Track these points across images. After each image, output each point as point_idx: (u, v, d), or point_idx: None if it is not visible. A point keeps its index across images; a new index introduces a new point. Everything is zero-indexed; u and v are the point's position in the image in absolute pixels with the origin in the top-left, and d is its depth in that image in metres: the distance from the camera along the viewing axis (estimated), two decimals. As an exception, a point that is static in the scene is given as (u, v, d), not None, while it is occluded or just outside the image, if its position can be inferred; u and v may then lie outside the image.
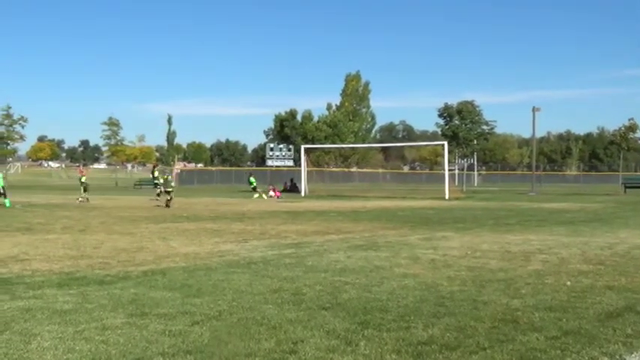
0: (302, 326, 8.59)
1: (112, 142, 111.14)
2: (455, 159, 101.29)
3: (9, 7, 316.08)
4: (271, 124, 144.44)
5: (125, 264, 14.30)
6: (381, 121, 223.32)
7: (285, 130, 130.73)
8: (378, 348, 7.62)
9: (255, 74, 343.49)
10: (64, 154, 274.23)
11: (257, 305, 9.90)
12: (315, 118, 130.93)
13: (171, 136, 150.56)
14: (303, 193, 61.09)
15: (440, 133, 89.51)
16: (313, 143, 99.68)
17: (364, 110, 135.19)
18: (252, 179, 58.90)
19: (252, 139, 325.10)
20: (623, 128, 77.78)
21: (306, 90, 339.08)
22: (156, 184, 48.94)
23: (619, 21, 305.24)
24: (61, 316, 9.12)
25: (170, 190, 40.22)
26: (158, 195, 46.38)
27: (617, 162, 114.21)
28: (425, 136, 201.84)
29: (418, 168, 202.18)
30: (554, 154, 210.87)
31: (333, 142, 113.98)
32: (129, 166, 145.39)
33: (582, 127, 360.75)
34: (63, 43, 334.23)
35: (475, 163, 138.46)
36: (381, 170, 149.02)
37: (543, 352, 7.52)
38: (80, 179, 47.23)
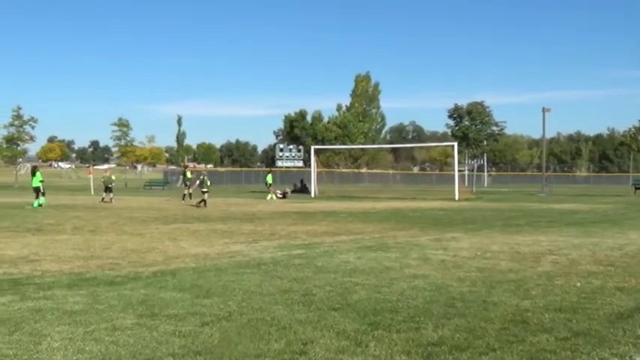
0: (312, 327, 8.59)
1: (122, 142, 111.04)
2: (465, 160, 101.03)
3: (19, 8, 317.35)
4: (281, 125, 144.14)
5: (135, 265, 14.33)
6: (390, 122, 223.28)
7: (295, 130, 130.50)
8: (388, 349, 7.62)
9: (265, 75, 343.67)
10: (74, 155, 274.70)
11: (267, 306, 9.91)
12: (325, 119, 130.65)
13: (181, 136, 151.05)
14: (312, 194, 61.00)
15: (450, 133, 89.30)
16: (323, 144, 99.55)
17: (374, 111, 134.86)
18: (269, 178, 58.34)
19: (262, 139, 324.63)
20: (633, 129, 77.71)
21: (315, 91, 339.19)
22: (186, 185, 49.11)
23: (630, 21, 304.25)
24: (71, 316, 9.14)
25: (206, 190, 40.70)
26: (184, 197, 46.84)
27: (628, 163, 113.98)
28: (435, 136, 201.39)
29: (428, 169, 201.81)
30: (564, 155, 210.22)
31: (343, 143, 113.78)
32: (139, 166, 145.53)
33: (592, 127, 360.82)
34: (73, 44, 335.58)
35: (485, 164, 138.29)
36: (390, 171, 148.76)
37: (553, 353, 7.51)
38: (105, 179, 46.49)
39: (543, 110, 74.08)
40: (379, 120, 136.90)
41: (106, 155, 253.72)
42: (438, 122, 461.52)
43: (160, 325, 8.67)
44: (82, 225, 24.93)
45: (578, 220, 29.89)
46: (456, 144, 65.47)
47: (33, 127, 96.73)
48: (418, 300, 10.44)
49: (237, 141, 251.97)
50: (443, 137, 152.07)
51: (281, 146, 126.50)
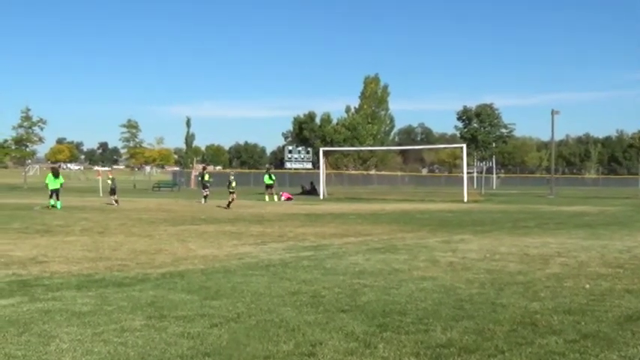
0: (320, 329, 8.59)
1: (131, 144, 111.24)
2: (474, 162, 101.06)
3: (28, 9, 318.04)
4: (290, 127, 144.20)
5: (144, 266, 14.34)
6: (399, 124, 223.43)
7: (304, 132, 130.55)
8: (397, 351, 7.61)
9: (274, 77, 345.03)
10: (82, 156, 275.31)
11: (275, 308, 9.91)
12: (334, 121, 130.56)
13: (189, 138, 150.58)
14: (321, 196, 60.97)
15: (459, 135, 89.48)
16: (332, 146, 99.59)
17: (383, 113, 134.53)
18: (267, 177, 55.78)
19: (271, 141, 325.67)
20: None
21: (324, 93, 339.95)
22: (205, 186, 49.27)
23: (639, 23, 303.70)
24: (79, 318, 9.15)
25: (232, 191, 41.40)
26: (205, 198, 47.16)
27: (637, 165, 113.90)
28: (444, 138, 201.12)
29: (437, 171, 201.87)
30: (573, 157, 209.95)
31: (352, 145, 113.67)
32: (147, 168, 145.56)
33: (601, 130, 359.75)
34: (82, 45, 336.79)
35: (494, 165, 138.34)
36: (399, 173, 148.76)
37: (562, 355, 7.49)
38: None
39: (552, 112, 73.92)
40: (388, 122, 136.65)
41: (115, 157, 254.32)
42: (446, 124, 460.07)
43: (169, 326, 8.68)
44: (90, 226, 24.97)
45: (587, 222, 29.84)
46: (464, 146, 65.44)
47: (42, 129, 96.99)
48: (427, 302, 10.43)
49: (246, 143, 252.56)
50: (452, 139, 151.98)
51: (290, 148, 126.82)
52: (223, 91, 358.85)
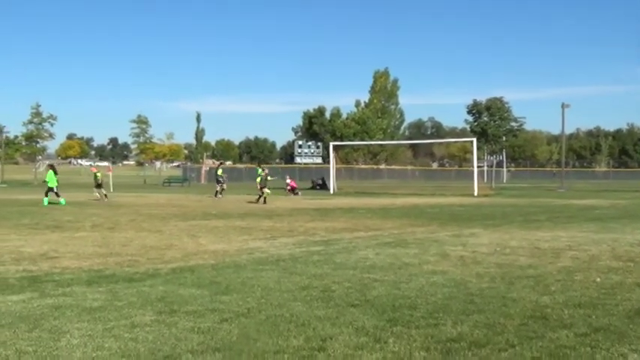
0: (331, 323, 8.58)
1: (141, 139, 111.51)
2: (484, 156, 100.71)
3: (38, 7, 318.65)
4: (300, 122, 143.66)
5: (154, 261, 14.36)
6: (409, 118, 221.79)
7: (314, 127, 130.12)
8: (407, 345, 7.60)
9: (284, 71, 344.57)
10: (93, 152, 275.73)
11: (286, 302, 9.91)
12: (344, 115, 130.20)
13: (199, 133, 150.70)
14: (331, 191, 61.03)
15: (469, 129, 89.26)
16: (342, 140, 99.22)
17: (393, 107, 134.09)
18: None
19: (281, 136, 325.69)
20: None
21: (334, 87, 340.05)
22: (218, 181, 49.24)
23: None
24: (90, 313, 9.17)
25: (263, 186, 41.02)
26: (217, 193, 47.17)
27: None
28: (454, 132, 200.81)
29: (447, 165, 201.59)
30: (584, 151, 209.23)
31: (362, 139, 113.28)
32: (157, 163, 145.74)
33: (612, 123, 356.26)
34: (92, 41, 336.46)
35: (504, 159, 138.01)
36: (409, 167, 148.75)
37: (573, 349, 7.48)
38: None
39: (563, 106, 73.71)
40: (398, 116, 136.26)
41: (125, 152, 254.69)
42: (457, 118, 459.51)
43: (179, 321, 8.69)
44: (101, 222, 24.99)
45: (598, 215, 29.78)
46: (475, 140, 65.26)
47: (52, 125, 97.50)
48: (437, 296, 10.42)
49: (256, 138, 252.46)
50: (462, 133, 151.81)
51: (300, 143, 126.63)
52: (233, 86, 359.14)
